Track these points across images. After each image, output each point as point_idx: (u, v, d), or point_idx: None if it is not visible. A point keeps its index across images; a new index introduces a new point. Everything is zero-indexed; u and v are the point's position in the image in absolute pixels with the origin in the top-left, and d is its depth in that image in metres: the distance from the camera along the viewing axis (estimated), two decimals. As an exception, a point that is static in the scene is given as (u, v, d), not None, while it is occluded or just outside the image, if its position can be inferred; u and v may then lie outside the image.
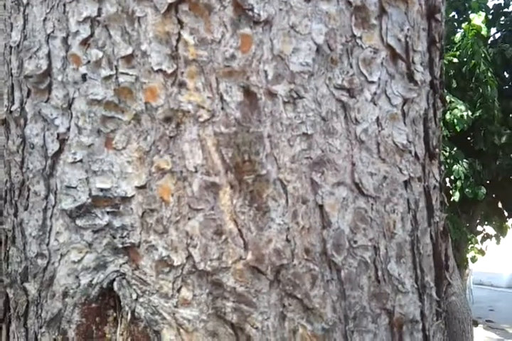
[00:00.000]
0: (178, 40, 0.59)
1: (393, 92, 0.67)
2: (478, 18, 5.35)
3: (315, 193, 0.61)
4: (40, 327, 0.66)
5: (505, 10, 5.92)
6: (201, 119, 0.59)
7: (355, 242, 0.63)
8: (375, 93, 0.65)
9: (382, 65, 0.65)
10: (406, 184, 0.68)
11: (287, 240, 0.60)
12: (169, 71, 0.59)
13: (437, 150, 0.76)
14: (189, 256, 0.60)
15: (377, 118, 0.65)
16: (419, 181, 0.70)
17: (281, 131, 0.60)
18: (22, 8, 0.69)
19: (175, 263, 0.60)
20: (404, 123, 0.68)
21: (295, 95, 0.61)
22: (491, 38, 5.97)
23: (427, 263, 0.71)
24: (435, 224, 0.74)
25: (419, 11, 0.70)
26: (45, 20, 0.65)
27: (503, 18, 5.95)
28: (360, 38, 0.64)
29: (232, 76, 0.59)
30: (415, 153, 0.70)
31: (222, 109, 0.59)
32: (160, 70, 0.59)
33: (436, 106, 0.76)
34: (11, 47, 0.71)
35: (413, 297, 0.68)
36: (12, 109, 0.70)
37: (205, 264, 0.59)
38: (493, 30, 5.90)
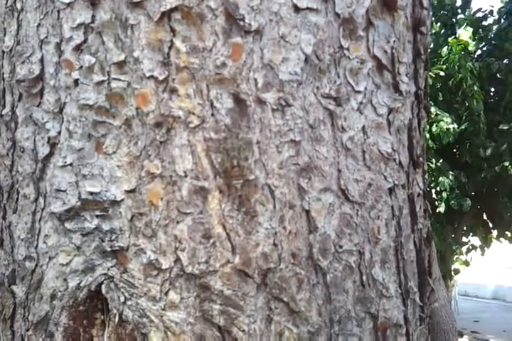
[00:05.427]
0: (170, 48, 0.60)
1: (379, 102, 0.68)
2: (465, 34, 5.43)
3: (302, 198, 0.63)
4: (27, 330, 0.66)
5: (484, 23, 5.99)
6: (191, 125, 0.61)
7: (341, 247, 0.64)
8: (361, 102, 0.67)
9: (368, 76, 0.67)
10: (390, 191, 0.70)
11: (274, 244, 0.61)
12: (161, 77, 0.61)
13: (421, 159, 0.78)
14: (177, 260, 0.60)
15: (363, 127, 0.67)
16: (403, 188, 0.72)
17: (269, 138, 0.62)
18: (16, 14, 0.70)
19: (163, 267, 0.61)
20: (389, 132, 0.70)
21: (284, 103, 0.62)
22: (477, 52, 6.05)
23: (410, 269, 0.73)
24: (418, 231, 0.76)
25: (405, 23, 0.72)
26: (38, 25, 0.66)
27: (481, 31, 6.01)
28: (348, 48, 0.65)
29: (222, 83, 0.61)
30: (399, 161, 0.71)
31: (212, 115, 0.61)
32: (152, 77, 0.61)
33: (421, 116, 0.78)
34: (3, 51, 0.71)
35: (397, 301, 0.69)
36: (3, 113, 0.71)
37: (192, 267, 0.60)
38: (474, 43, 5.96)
